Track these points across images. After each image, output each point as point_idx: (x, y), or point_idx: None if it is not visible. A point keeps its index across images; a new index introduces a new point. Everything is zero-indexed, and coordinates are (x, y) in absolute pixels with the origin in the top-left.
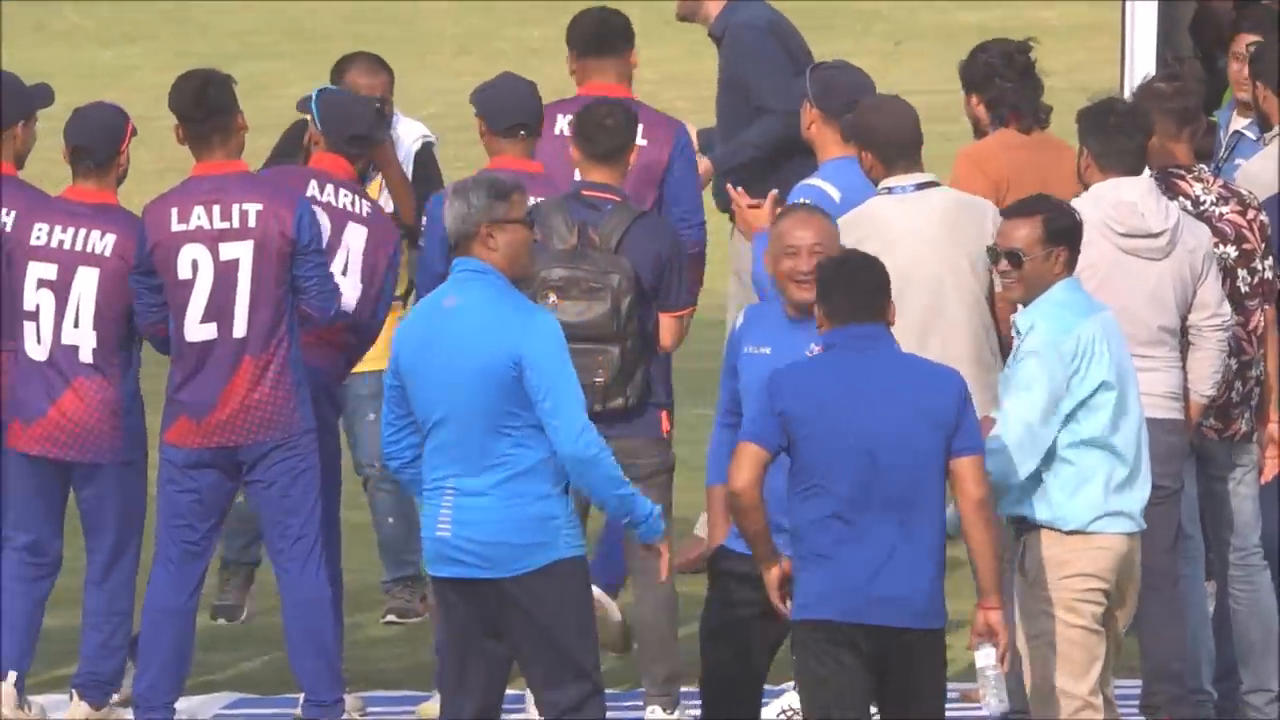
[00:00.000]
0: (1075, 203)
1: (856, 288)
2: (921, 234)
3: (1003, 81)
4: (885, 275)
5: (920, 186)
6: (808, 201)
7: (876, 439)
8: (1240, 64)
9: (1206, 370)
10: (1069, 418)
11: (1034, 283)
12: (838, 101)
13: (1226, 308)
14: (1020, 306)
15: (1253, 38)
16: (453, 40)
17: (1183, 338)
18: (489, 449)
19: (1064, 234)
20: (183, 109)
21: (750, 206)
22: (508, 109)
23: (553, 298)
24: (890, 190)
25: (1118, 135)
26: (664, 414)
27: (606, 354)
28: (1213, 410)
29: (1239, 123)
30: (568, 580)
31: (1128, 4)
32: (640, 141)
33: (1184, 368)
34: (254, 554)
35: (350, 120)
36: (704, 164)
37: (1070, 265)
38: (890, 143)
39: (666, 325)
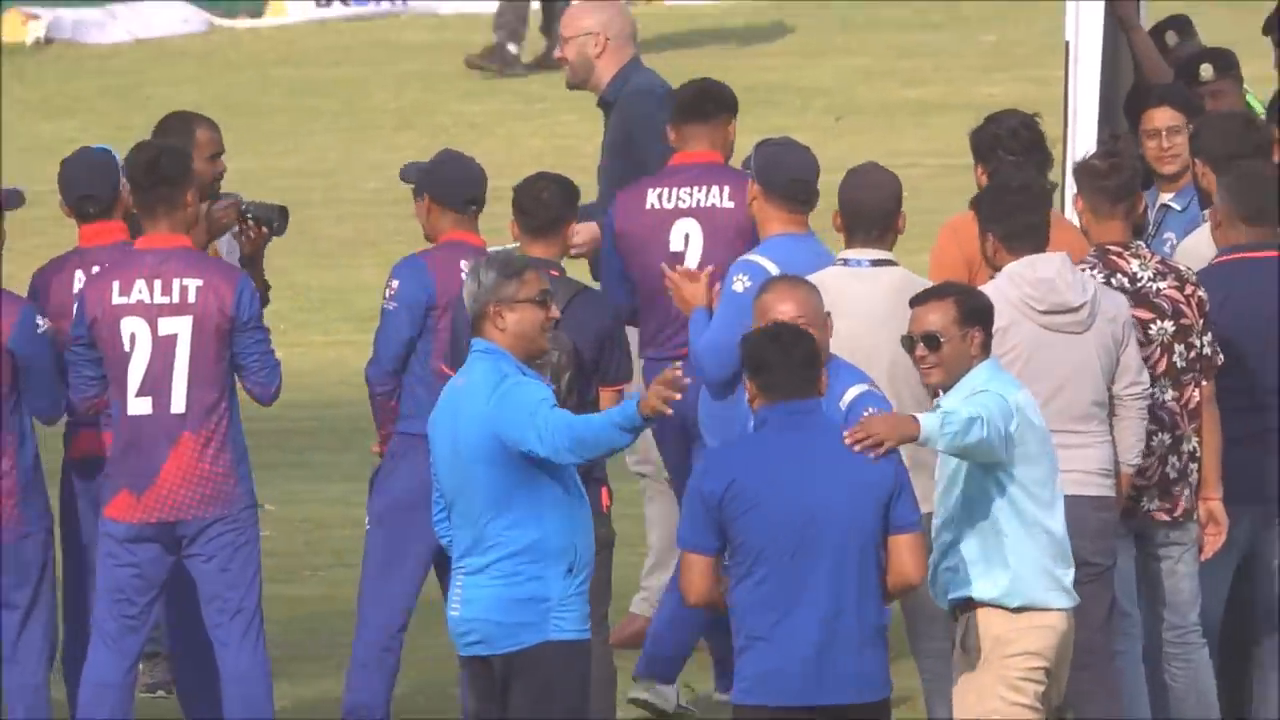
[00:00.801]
0: (992, 285)
1: (793, 363)
2: (873, 312)
3: (1005, 154)
4: (817, 347)
5: (876, 263)
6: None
7: (814, 515)
8: (1154, 141)
9: (1130, 439)
10: (1010, 495)
11: (953, 365)
12: (781, 178)
13: (1145, 376)
14: (941, 394)
15: (1166, 114)
16: (394, 115)
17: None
18: (486, 529)
19: (977, 314)
20: (134, 177)
21: (686, 277)
22: (460, 183)
23: None
24: (846, 262)
25: (1019, 214)
26: (604, 489)
27: None
28: (1154, 490)
29: (1164, 197)
30: (555, 663)
31: (1070, 81)
32: (728, 204)
33: (1113, 441)
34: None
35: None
36: (590, 229)
37: (985, 348)
38: (855, 213)
39: (607, 399)
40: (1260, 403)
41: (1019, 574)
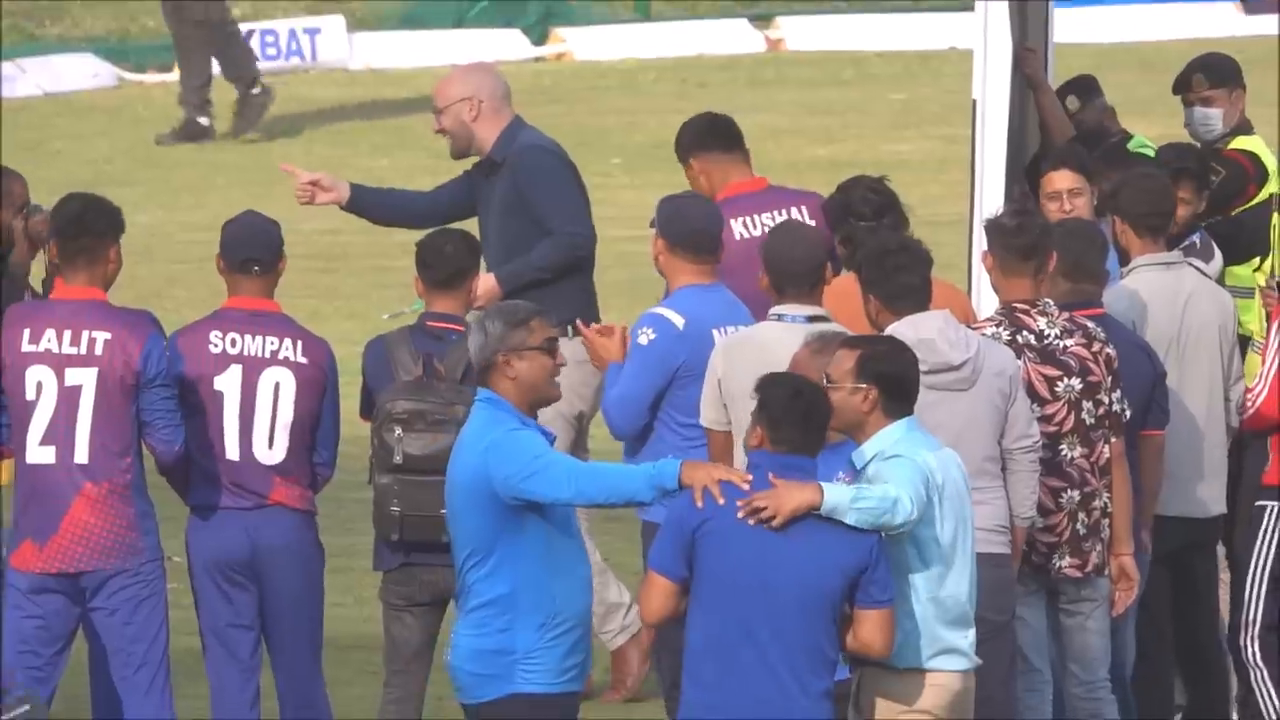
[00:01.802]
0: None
1: (811, 422)
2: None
3: (856, 220)
4: (830, 408)
5: (812, 319)
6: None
7: (778, 572)
8: (1055, 203)
9: (1024, 492)
10: (904, 558)
11: (840, 413)
12: (684, 229)
13: (1035, 429)
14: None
15: (1067, 176)
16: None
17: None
18: (467, 577)
19: (879, 377)
20: (59, 226)
21: (600, 333)
22: (243, 243)
23: (398, 431)
24: (780, 317)
25: (900, 274)
26: None
27: None
28: (1064, 547)
29: None
30: (520, 716)
31: (977, 139)
32: (810, 221)
33: (1007, 498)
34: None
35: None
36: (489, 281)
37: (888, 411)
38: (783, 271)
39: None
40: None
41: (907, 637)
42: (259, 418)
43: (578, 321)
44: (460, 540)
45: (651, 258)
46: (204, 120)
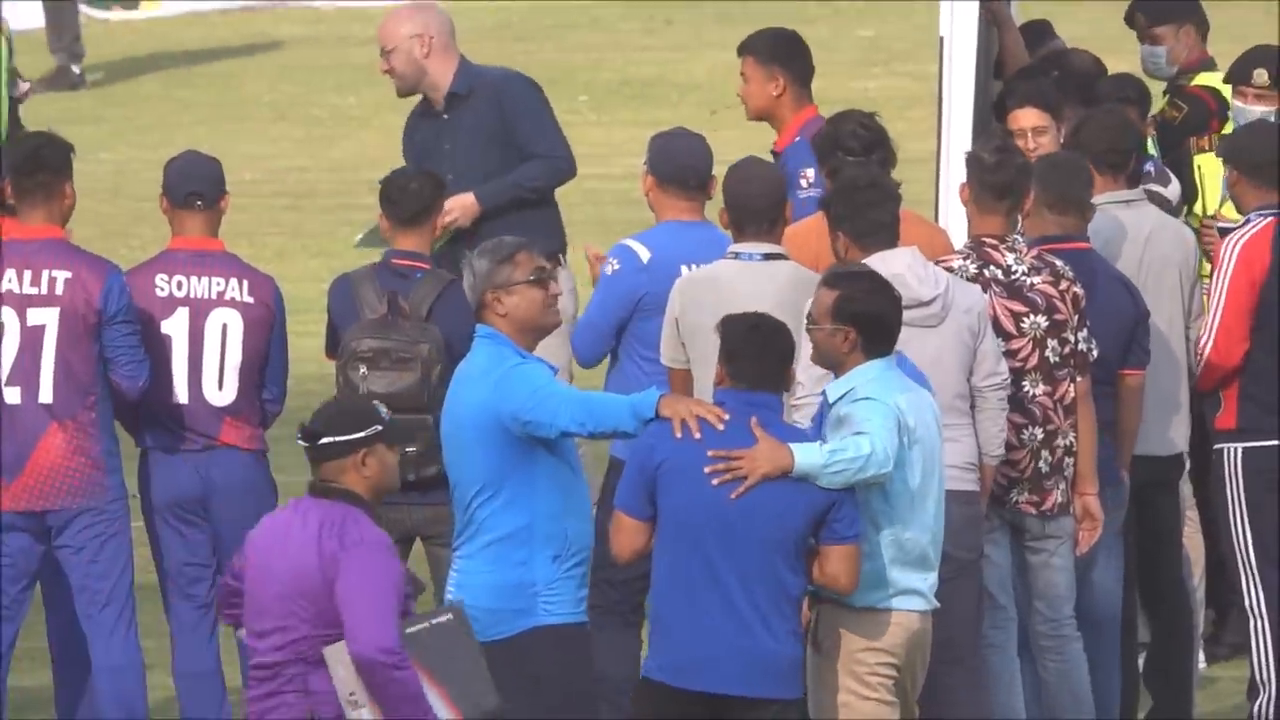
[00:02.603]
0: None
1: (767, 355)
2: (763, 304)
3: (845, 154)
4: (792, 344)
5: (768, 257)
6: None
7: (740, 507)
8: (1020, 141)
9: (992, 431)
10: (865, 498)
11: (819, 352)
12: (669, 165)
13: (1004, 366)
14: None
15: (1031, 114)
16: (269, 106)
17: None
18: (477, 513)
19: (856, 317)
20: (14, 164)
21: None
22: (186, 178)
23: (362, 369)
24: (738, 255)
25: (870, 210)
26: None
27: (418, 423)
28: (1025, 484)
29: None
30: (546, 649)
31: (944, 77)
32: (813, 193)
33: (976, 436)
34: None
35: None
36: (466, 198)
37: (866, 350)
38: (742, 208)
39: None
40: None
41: (866, 577)
42: (208, 360)
43: (587, 246)
44: (468, 476)
45: (643, 193)
46: (75, 69)
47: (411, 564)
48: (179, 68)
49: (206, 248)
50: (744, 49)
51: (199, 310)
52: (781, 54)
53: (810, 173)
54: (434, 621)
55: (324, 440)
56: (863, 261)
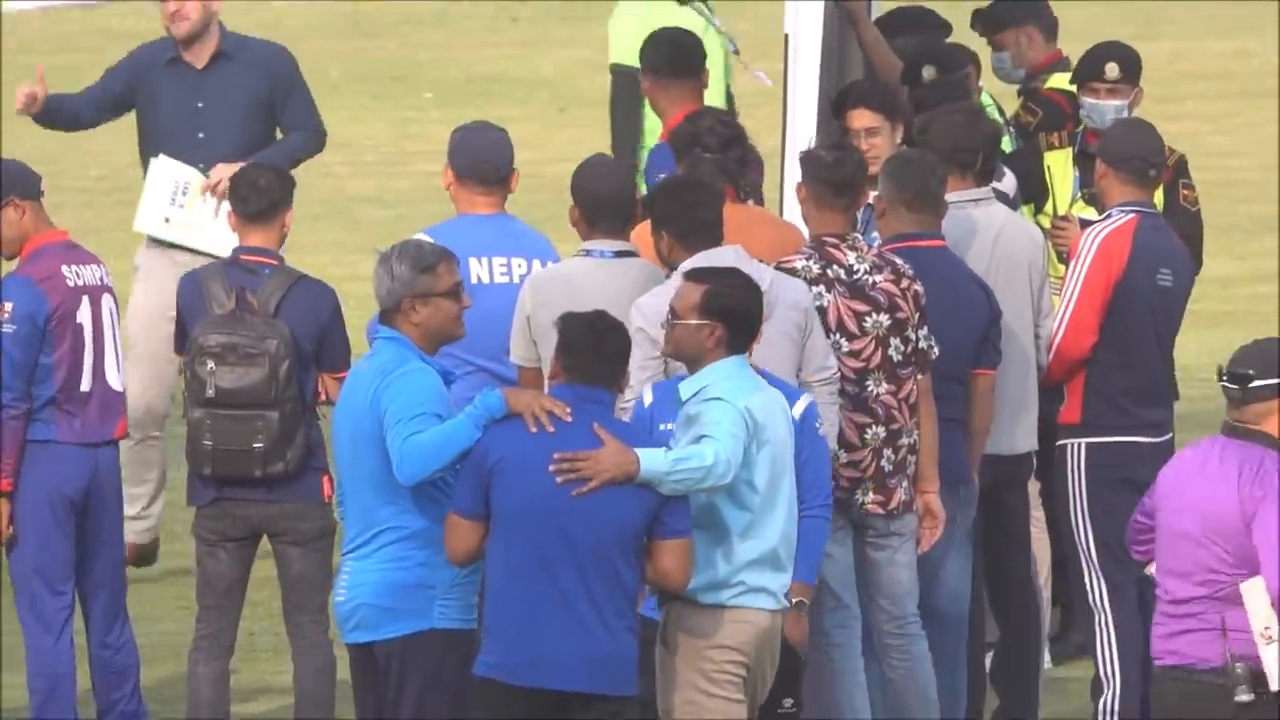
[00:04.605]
0: (669, 284)
1: (602, 351)
2: (615, 302)
3: (703, 151)
4: (629, 343)
5: (620, 254)
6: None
7: (571, 503)
8: (855, 142)
9: (825, 427)
10: (717, 498)
11: (682, 347)
12: (467, 161)
13: (833, 360)
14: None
15: (864, 115)
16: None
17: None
18: (377, 514)
19: (723, 312)
20: None
21: None
22: (30, 174)
23: (210, 364)
24: (588, 253)
25: (693, 210)
26: (325, 478)
27: (265, 419)
28: (869, 482)
29: (870, 195)
30: (438, 652)
31: (789, 75)
32: None
33: None
34: None
35: None
36: (232, 168)
37: (731, 346)
38: (592, 205)
39: (331, 386)
40: (938, 392)
41: (714, 576)
42: (108, 346)
43: None
44: (361, 477)
45: (444, 187)
46: None
47: (259, 562)
48: (25, 62)
49: (67, 237)
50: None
51: (95, 297)
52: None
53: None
54: None
55: (1254, 384)
56: (688, 260)
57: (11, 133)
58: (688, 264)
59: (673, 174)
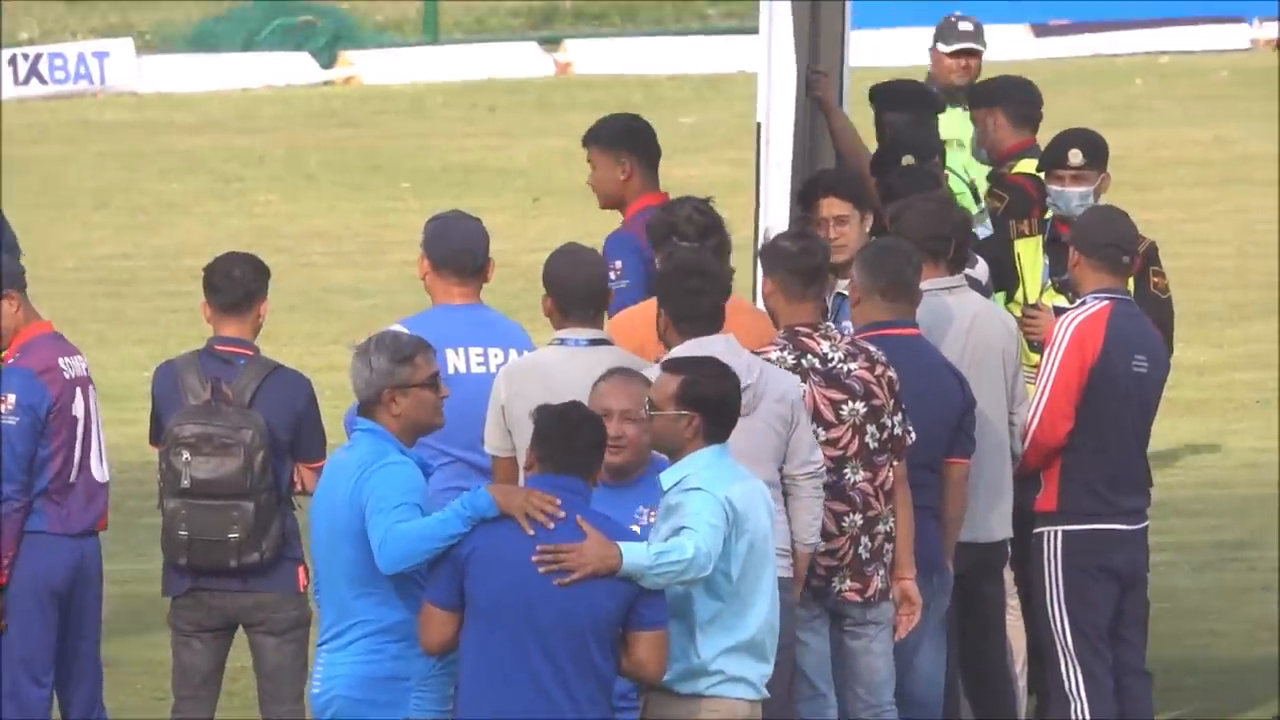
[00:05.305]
0: (658, 368)
1: (575, 443)
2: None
3: (680, 240)
4: (604, 436)
5: (594, 342)
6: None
7: (546, 595)
8: (822, 230)
9: (806, 519)
10: (699, 588)
11: (661, 438)
12: (444, 250)
13: (818, 454)
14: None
15: (833, 204)
16: (92, 193)
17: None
18: (352, 606)
19: (700, 402)
20: None
21: None
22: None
23: (185, 454)
24: (563, 342)
25: (699, 298)
26: (301, 568)
27: (241, 509)
28: (846, 570)
29: (839, 285)
30: None
31: (761, 163)
32: (622, 284)
33: (789, 522)
34: None
35: None
36: None
37: (709, 435)
38: (565, 294)
39: (307, 477)
40: (912, 480)
41: (691, 665)
42: (93, 437)
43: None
44: (337, 569)
45: (419, 277)
46: None
47: (235, 651)
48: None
49: (52, 328)
50: (588, 138)
51: (83, 388)
52: (624, 139)
53: (619, 264)
54: None
55: None
56: (679, 346)
57: None
58: (673, 352)
59: (683, 254)
